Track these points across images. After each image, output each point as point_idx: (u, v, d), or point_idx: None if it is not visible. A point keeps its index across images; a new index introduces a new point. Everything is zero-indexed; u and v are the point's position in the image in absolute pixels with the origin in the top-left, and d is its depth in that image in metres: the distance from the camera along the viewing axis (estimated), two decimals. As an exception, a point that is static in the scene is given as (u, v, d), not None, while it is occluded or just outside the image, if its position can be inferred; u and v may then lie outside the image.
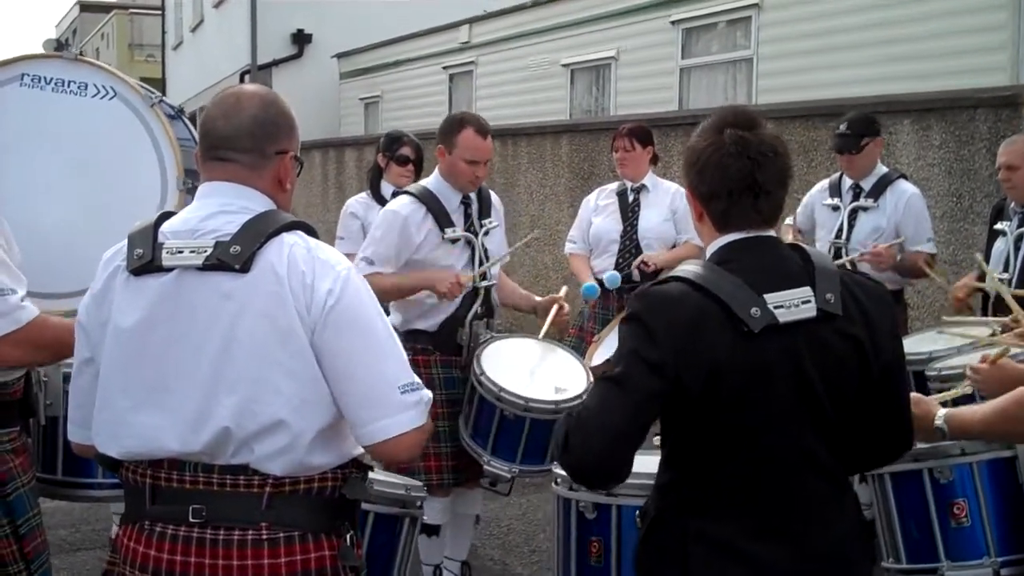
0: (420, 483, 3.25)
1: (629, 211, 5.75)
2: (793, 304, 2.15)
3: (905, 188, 5.35)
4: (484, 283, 4.41)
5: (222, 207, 2.21)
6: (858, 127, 5.31)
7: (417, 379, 2.23)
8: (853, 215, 5.36)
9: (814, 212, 5.62)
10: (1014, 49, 8.44)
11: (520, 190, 11.18)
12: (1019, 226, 4.72)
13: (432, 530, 4.35)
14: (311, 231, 2.25)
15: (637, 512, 2.52)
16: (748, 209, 2.22)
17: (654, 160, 5.89)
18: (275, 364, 2.10)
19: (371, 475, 2.38)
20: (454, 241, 4.33)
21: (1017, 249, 4.70)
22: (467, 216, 4.40)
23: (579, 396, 3.91)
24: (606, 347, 4.77)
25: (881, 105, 7.19)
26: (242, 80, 19.62)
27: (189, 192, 3.42)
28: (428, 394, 2.24)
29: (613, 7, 12.78)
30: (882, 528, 3.12)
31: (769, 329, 2.12)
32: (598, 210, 5.87)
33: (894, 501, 3.05)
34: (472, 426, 4.11)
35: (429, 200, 4.32)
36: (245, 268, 2.11)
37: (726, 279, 2.16)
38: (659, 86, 12.05)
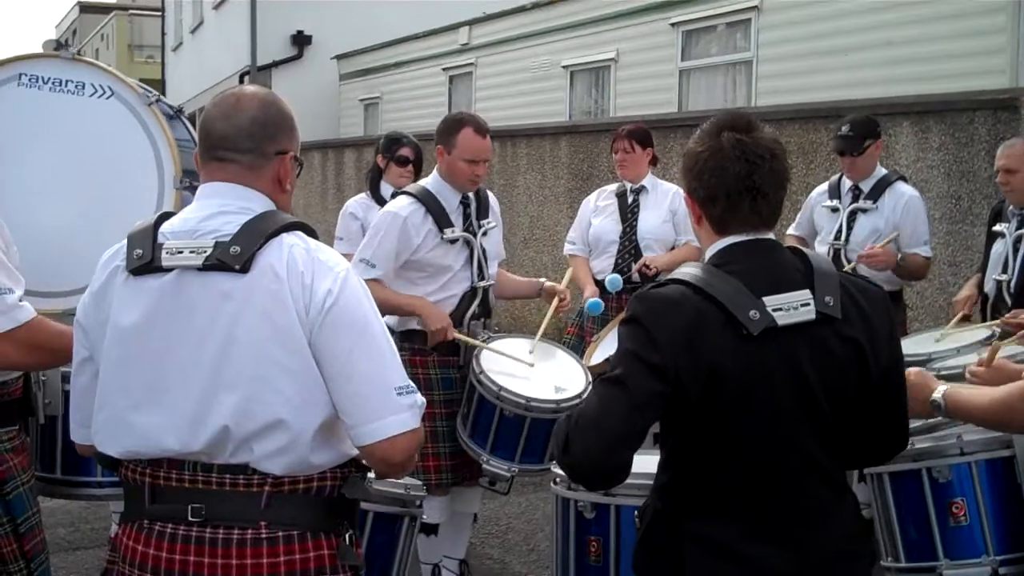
0: (420, 482, 3.26)
1: (628, 212, 5.75)
2: (792, 307, 2.15)
3: (904, 190, 5.35)
4: (482, 283, 4.42)
5: (222, 207, 2.21)
6: (860, 129, 5.31)
7: (411, 382, 2.23)
8: (852, 217, 5.36)
9: (813, 215, 5.62)
10: (1013, 52, 8.45)
11: (519, 191, 11.19)
12: (1018, 228, 4.73)
13: (430, 529, 4.36)
14: (311, 232, 2.25)
15: (636, 512, 2.52)
16: (746, 212, 2.23)
17: (654, 161, 5.89)
18: (274, 363, 2.11)
19: (371, 474, 2.38)
20: (453, 241, 4.33)
21: (1016, 251, 4.70)
22: (466, 216, 4.41)
23: (579, 396, 3.92)
24: (605, 347, 4.78)
25: (881, 107, 7.19)
26: (242, 81, 19.64)
27: (187, 191, 3.43)
28: (422, 399, 2.24)
29: (613, 9, 12.80)
30: (881, 527, 3.12)
31: (768, 332, 2.12)
32: (597, 211, 5.87)
33: (893, 500, 3.05)
34: (471, 426, 4.12)
35: (428, 200, 4.32)
36: (245, 268, 2.12)
37: (725, 282, 2.16)
38: (659, 88, 12.07)
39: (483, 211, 4.50)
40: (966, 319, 4.85)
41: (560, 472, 3.02)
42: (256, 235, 2.15)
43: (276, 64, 20.33)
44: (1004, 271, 4.73)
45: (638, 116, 10.07)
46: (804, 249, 2.34)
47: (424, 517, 3.40)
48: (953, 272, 6.73)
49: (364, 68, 18.97)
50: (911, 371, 2.69)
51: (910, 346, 3.78)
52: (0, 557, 2.86)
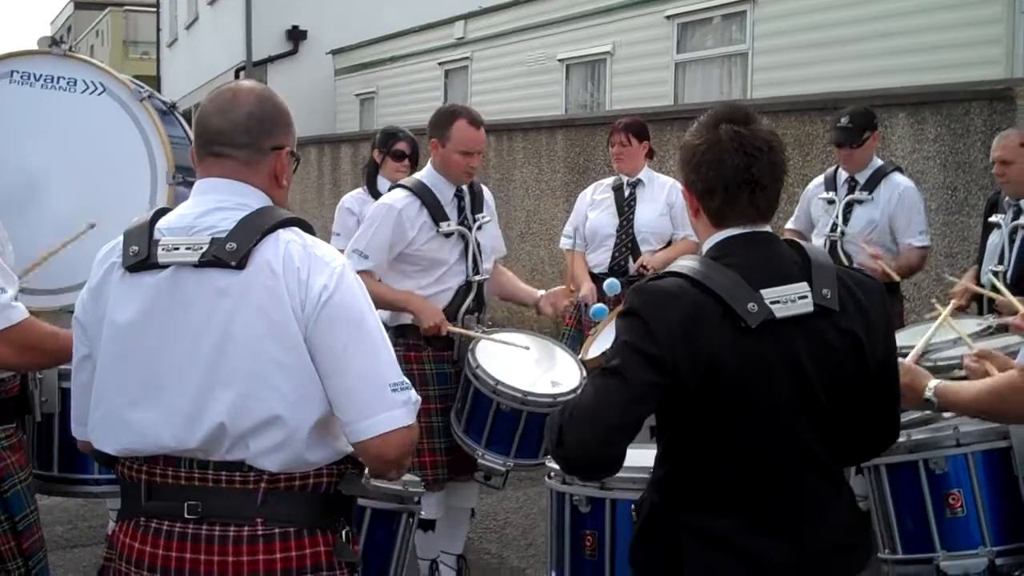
0: (418, 479, 3.25)
1: (625, 206, 5.75)
2: (790, 299, 2.15)
3: (899, 181, 5.36)
4: (477, 278, 4.41)
5: (218, 203, 2.20)
6: (860, 120, 5.31)
7: (406, 379, 2.23)
8: (848, 208, 5.36)
9: (810, 207, 5.62)
10: (1009, 42, 8.45)
11: (516, 185, 11.18)
12: (1013, 219, 4.73)
13: (427, 525, 4.36)
14: (307, 227, 2.25)
15: (633, 506, 2.52)
16: (744, 204, 2.23)
17: (650, 155, 5.89)
18: (270, 360, 2.10)
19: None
20: (448, 235, 4.33)
21: (1011, 242, 4.70)
22: (460, 210, 4.40)
23: (575, 390, 3.92)
24: (602, 341, 4.77)
25: (876, 99, 7.19)
26: (237, 77, 19.59)
27: (183, 186, 3.42)
28: (416, 396, 2.23)
29: (608, 2, 12.79)
30: (878, 519, 3.13)
31: (766, 324, 2.12)
32: (594, 204, 5.87)
33: (890, 492, 3.06)
34: (466, 420, 4.11)
35: (424, 193, 4.31)
36: (241, 265, 2.11)
37: (723, 274, 2.16)
38: (654, 81, 12.06)
39: (478, 205, 4.50)
40: (960, 310, 4.85)
41: (555, 466, 3.02)
42: (252, 231, 2.14)
43: (271, 59, 20.31)
44: (1000, 262, 4.72)
45: (634, 109, 10.06)
46: (801, 242, 2.34)
47: (421, 513, 3.40)
48: (949, 263, 6.73)
49: (360, 63, 18.95)
50: (902, 369, 2.70)
51: (906, 338, 3.78)
52: (-2, 555, 2.86)
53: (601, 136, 9.12)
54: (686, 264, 2.22)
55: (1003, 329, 3.93)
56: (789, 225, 5.73)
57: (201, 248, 2.13)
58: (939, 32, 8.87)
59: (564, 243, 6.00)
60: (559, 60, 13.78)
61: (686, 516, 2.20)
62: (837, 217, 5.36)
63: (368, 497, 2.91)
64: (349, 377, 2.14)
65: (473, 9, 15.79)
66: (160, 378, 2.14)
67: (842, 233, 5.32)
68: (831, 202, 5.45)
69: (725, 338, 2.11)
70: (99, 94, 3.48)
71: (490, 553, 5.33)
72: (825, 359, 2.17)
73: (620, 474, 2.78)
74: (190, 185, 2.37)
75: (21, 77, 3.45)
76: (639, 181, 5.77)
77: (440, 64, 16.40)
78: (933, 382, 2.72)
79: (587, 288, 5.58)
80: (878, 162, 5.45)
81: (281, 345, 2.10)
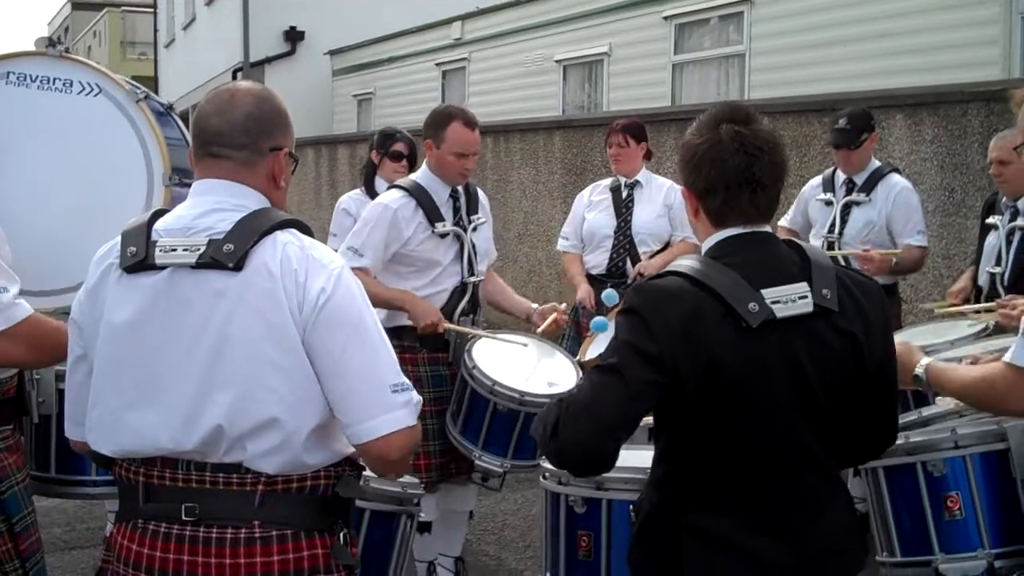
0: (417, 480, 3.25)
1: (623, 207, 5.74)
2: (790, 299, 2.15)
3: (897, 181, 5.36)
4: (472, 279, 4.41)
5: (216, 205, 2.20)
6: (857, 122, 5.31)
7: (407, 380, 2.22)
8: (846, 209, 5.37)
9: (808, 208, 5.63)
10: (1006, 43, 8.46)
11: (513, 186, 11.18)
12: (1011, 220, 4.73)
13: (423, 527, 4.35)
14: (305, 229, 2.24)
15: (631, 506, 2.52)
16: (745, 204, 2.22)
17: (648, 156, 5.89)
18: (268, 362, 2.10)
19: (369, 473, 2.38)
20: (443, 235, 4.33)
21: (1009, 243, 4.70)
22: (455, 211, 4.40)
23: (572, 391, 3.91)
24: (600, 342, 4.77)
25: (874, 100, 7.19)
26: (234, 78, 19.58)
27: (179, 187, 3.41)
28: (418, 396, 2.23)
29: (606, 3, 12.80)
30: (876, 522, 3.12)
31: (767, 324, 2.12)
32: (592, 206, 5.86)
33: (888, 495, 3.05)
34: (462, 422, 4.10)
35: (419, 194, 4.31)
36: (238, 266, 2.11)
37: (724, 274, 2.16)
38: (652, 82, 12.07)
39: (473, 206, 4.50)
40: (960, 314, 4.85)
41: (550, 466, 3.01)
42: (249, 233, 2.14)
43: (269, 60, 20.31)
44: (997, 264, 4.72)
45: (631, 110, 10.07)
46: (800, 242, 2.34)
47: (421, 515, 3.40)
48: (947, 265, 6.74)
49: (357, 64, 18.95)
50: (898, 340, 2.70)
51: (929, 336, 3.79)
52: (-5, 557, 2.86)
53: (599, 137, 9.12)
54: (686, 263, 2.21)
55: (1000, 330, 3.94)
56: (783, 223, 5.72)
57: (198, 249, 2.13)
58: (936, 33, 8.88)
59: (561, 245, 6.00)
60: (556, 61, 13.79)
61: (686, 516, 2.20)
62: (835, 218, 5.37)
63: (365, 499, 2.91)
64: (349, 379, 2.14)
65: (471, 10, 15.79)
66: (158, 379, 2.14)
67: (840, 234, 5.32)
68: (829, 203, 5.45)
69: (726, 338, 2.11)
70: (95, 95, 3.47)
71: (488, 555, 5.32)
72: (824, 359, 2.17)
73: (617, 474, 2.78)
74: (187, 186, 2.36)
75: (17, 78, 3.44)
76: (637, 182, 5.77)
77: (438, 65, 16.40)
78: (925, 360, 2.72)
79: (584, 290, 5.57)
80: (876, 163, 5.46)
81: (279, 347, 2.10)
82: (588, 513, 2.93)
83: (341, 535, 2.24)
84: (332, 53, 19.67)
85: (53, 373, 3.39)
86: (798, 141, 7.90)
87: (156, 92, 3.59)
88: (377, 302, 4.09)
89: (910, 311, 6.60)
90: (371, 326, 2.19)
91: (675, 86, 11.89)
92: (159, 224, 2.21)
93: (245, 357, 2.10)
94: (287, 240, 2.16)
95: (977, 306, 4.50)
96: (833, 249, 5.27)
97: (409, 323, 4.28)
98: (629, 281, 5.51)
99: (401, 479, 3.15)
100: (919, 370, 2.70)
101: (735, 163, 2.20)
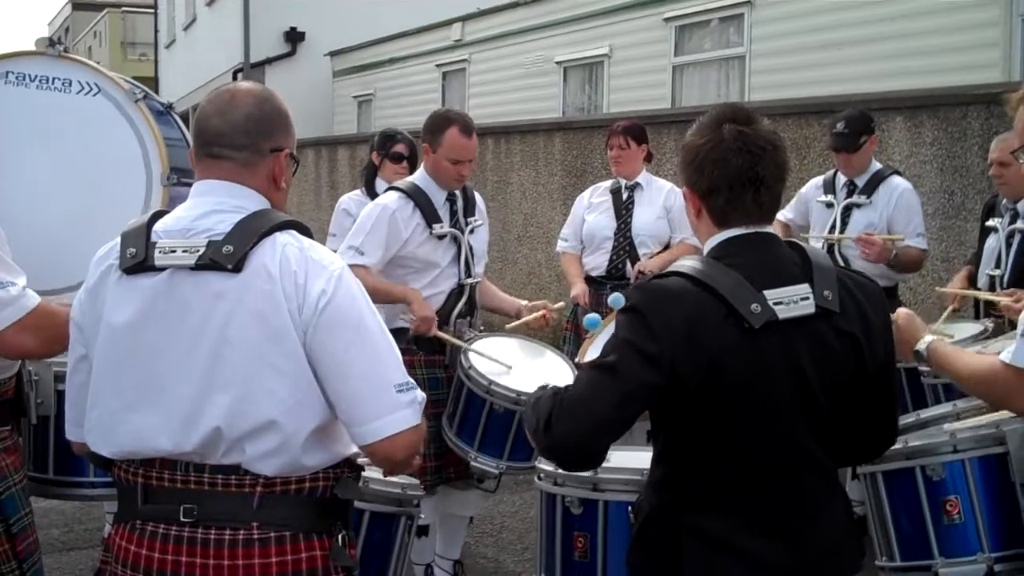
0: (417, 481, 3.25)
1: (623, 209, 5.74)
2: (792, 301, 2.15)
3: (898, 183, 5.36)
4: (469, 281, 4.41)
5: (216, 206, 2.20)
6: (856, 125, 5.31)
7: (411, 379, 2.23)
8: (847, 212, 5.37)
9: (808, 208, 5.62)
10: (1006, 46, 8.46)
11: (513, 188, 11.17)
12: (1011, 223, 4.73)
13: (421, 530, 4.34)
14: (305, 230, 2.24)
15: (630, 508, 2.51)
16: (748, 204, 2.22)
17: (648, 158, 5.88)
18: (267, 364, 2.10)
19: (368, 474, 2.38)
20: (441, 237, 4.33)
21: (1008, 246, 4.70)
22: (452, 213, 4.41)
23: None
24: (599, 343, 4.76)
25: (874, 102, 7.19)
26: (235, 78, 19.58)
27: (180, 187, 3.41)
28: (422, 394, 2.24)
29: (606, 4, 12.80)
30: (875, 526, 3.12)
31: (769, 325, 2.12)
32: (592, 208, 5.86)
33: (887, 499, 3.05)
34: (458, 424, 4.10)
35: (417, 196, 4.32)
36: (237, 268, 2.11)
37: (726, 274, 2.16)
38: (652, 83, 12.07)
39: (470, 209, 4.50)
40: (955, 313, 4.85)
41: (545, 468, 3.00)
42: (249, 234, 2.14)
43: (269, 61, 20.31)
44: (997, 266, 4.72)
45: (631, 112, 10.06)
46: (801, 243, 2.34)
47: (421, 516, 3.39)
48: (947, 268, 6.73)
49: (357, 65, 18.95)
50: (901, 311, 2.69)
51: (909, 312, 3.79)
52: (-7, 558, 2.85)
53: (599, 139, 9.12)
54: (689, 264, 2.21)
55: (999, 332, 3.94)
56: (778, 217, 5.68)
57: (198, 251, 2.13)
58: (936, 36, 8.88)
59: (561, 246, 5.99)
60: (557, 62, 13.78)
61: (686, 517, 2.19)
62: (835, 220, 5.37)
63: (365, 501, 2.91)
64: (352, 381, 2.14)
65: (471, 11, 15.79)
66: (157, 381, 2.13)
67: (840, 236, 5.32)
68: (829, 205, 5.45)
69: (728, 338, 2.11)
70: (94, 95, 3.47)
71: (486, 557, 5.32)
72: (825, 361, 2.17)
73: (613, 475, 2.77)
74: (187, 186, 2.35)
75: (16, 78, 3.43)
76: (637, 184, 5.76)
77: (438, 66, 16.40)
78: (929, 336, 2.71)
79: (580, 288, 5.56)
80: (877, 165, 5.46)
81: (278, 349, 2.10)
82: (584, 514, 2.92)
83: (340, 537, 2.24)
84: (332, 54, 19.67)
85: (52, 374, 3.39)
86: (798, 143, 7.90)
87: (157, 93, 3.57)
88: (378, 297, 4.10)
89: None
90: (373, 326, 2.18)
91: (675, 88, 11.89)
92: (159, 225, 2.20)
93: (244, 359, 2.09)
94: (286, 242, 2.16)
95: (984, 293, 4.50)
96: (834, 251, 5.26)
97: (405, 326, 4.28)
98: (630, 281, 5.51)
99: (401, 480, 3.15)
100: (921, 346, 2.68)
101: (738, 163, 2.20)
